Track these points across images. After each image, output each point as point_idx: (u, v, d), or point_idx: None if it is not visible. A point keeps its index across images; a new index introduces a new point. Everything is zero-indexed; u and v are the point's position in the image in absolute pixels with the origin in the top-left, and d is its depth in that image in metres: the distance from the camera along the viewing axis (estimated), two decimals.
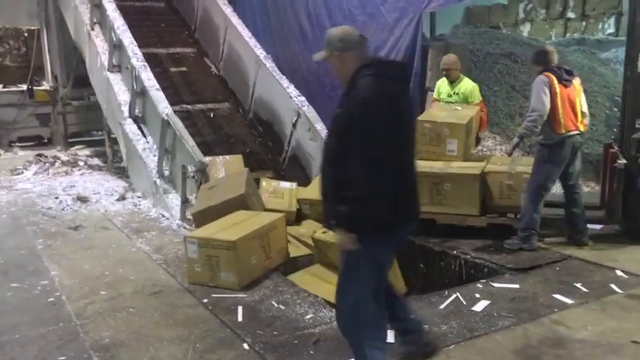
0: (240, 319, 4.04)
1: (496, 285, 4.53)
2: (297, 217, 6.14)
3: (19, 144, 12.80)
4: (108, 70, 8.15)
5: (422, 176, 5.51)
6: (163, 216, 6.66)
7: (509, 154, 5.39)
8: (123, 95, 7.72)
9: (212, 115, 8.16)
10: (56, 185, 8.60)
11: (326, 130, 7.02)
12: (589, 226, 5.66)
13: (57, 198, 7.75)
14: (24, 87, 13.12)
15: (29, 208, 7.37)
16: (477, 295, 4.34)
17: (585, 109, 5.26)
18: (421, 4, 7.69)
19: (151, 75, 7.13)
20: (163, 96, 6.88)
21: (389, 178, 2.78)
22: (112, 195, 7.87)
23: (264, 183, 6.40)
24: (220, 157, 6.70)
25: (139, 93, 7.27)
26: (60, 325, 4.02)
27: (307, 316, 4.05)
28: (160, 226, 6.36)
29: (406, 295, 5.17)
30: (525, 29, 14.43)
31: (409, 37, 7.88)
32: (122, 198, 7.67)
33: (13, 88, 13.12)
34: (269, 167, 7.53)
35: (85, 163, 10.47)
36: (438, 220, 5.70)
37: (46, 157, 10.49)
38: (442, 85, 6.79)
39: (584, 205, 5.88)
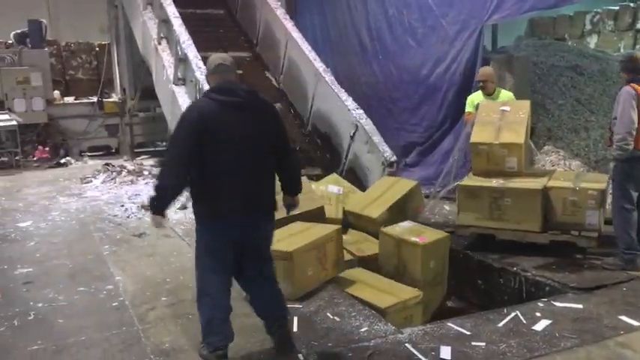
0: (295, 329, 4.07)
1: (558, 304, 4.40)
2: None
3: (89, 153, 13.37)
4: (173, 82, 8.41)
5: (481, 190, 5.54)
6: None
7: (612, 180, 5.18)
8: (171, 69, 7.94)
9: None
10: (122, 193, 8.92)
11: (384, 143, 7.04)
12: None
13: (122, 206, 8.04)
14: (94, 99, 13.73)
15: (97, 215, 7.67)
16: (538, 314, 4.23)
17: None
18: (483, 17, 7.63)
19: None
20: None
21: (200, 182, 3.46)
22: (174, 204, 8.08)
23: (312, 186, 6.37)
24: None
25: (182, 59, 7.48)
26: (123, 329, 4.17)
27: (362, 329, 4.05)
28: None
29: (464, 311, 5.16)
30: (592, 41, 13.95)
31: (470, 49, 7.83)
32: (184, 207, 7.84)
33: (84, 100, 13.73)
34: (317, 164, 7.69)
35: (150, 173, 10.79)
36: (497, 235, 5.59)
37: (113, 166, 10.90)
38: (477, 98, 6.65)
39: None
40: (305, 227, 5.17)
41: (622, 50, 13.01)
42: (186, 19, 8.66)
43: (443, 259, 5.30)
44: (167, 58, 8.72)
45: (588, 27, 14.22)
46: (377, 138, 7.07)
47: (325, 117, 8.10)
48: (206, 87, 7.16)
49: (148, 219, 7.31)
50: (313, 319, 4.24)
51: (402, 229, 5.32)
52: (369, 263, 5.36)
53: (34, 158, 12.69)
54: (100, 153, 13.55)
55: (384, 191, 6.13)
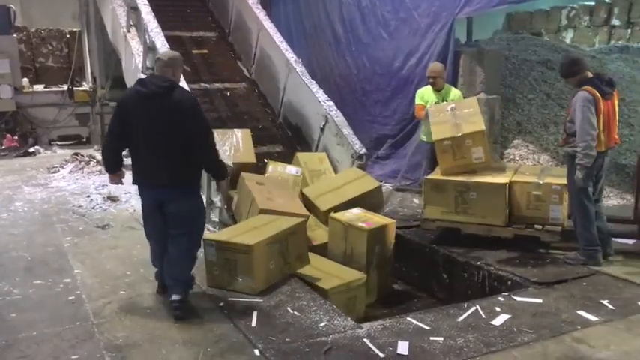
0: (254, 323, 4.02)
1: (518, 299, 4.40)
2: None
3: (60, 143, 13.13)
4: (142, 71, 8.24)
5: (447, 184, 5.53)
6: None
7: (579, 190, 5.02)
8: None
9: (228, 94, 8.49)
10: (89, 184, 8.77)
11: (354, 135, 6.99)
12: (621, 240, 5.49)
13: (88, 197, 7.90)
14: (64, 87, 13.48)
15: (61, 206, 7.53)
16: (498, 309, 4.23)
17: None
18: (454, 10, 7.59)
19: (181, 78, 7.17)
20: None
21: (131, 156, 4.31)
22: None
23: (270, 167, 6.59)
24: (230, 130, 6.94)
25: None
26: (77, 323, 4.08)
27: (321, 324, 4.01)
28: None
29: (425, 303, 5.30)
30: (568, 36, 14.08)
31: (441, 42, 7.78)
32: None
33: (54, 88, 13.48)
34: (279, 142, 7.87)
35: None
36: (462, 229, 5.59)
37: (82, 156, 10.71)
38: (427, 93, 6.71)
39: (618, 218, 5.73)
40: (269, 220, 5.11)
41: (597, 45, 13.15)
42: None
43: (388, 244, 5.50)
44: (136, 47, 8.55)
45: (564, 22, 14.33)
46: (347, 130, 7.01)
47: (296, 108, 8.02)
48: None
49: (114, 210, 7.31)
50: (273, 313, 4.19)
51: (351, 215, 5.50)
52: (318, 249, 5.47)
53: (2, 147, 12.43)
54: (71, 142, 13.33)
55: (345, 184, 6.13)
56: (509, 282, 4.86)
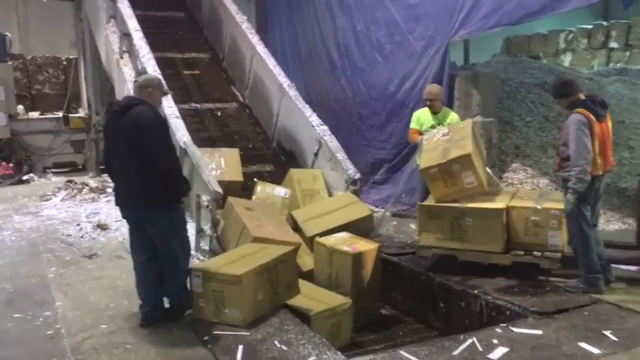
0: (239, 359, 3.82)
1: (516, 330, 4.19)
2: None
3: (54, 170, 13.01)
4: None
5: (442, 210, 5.36)
6: None
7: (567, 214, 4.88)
8: None
9: (219, 114, 8.56)
10: (81, 212, 8.62)
11: (348, 160, 6.85)
12: (624, 267, 5.29)
13: (78, 225, 7.75)
14: (60, 114, 13.40)
15: (50, 235, 7.37)
16: (495, 341, 4.02)
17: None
18: (449, 33, 7.49)
19: (172, 103, 7.08)
20: (183, 124, 6.80)
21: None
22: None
23: (258, 188, 6.54)
24: (218, 149, 7.04)
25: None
26: None
27: (309, 359, 3.81)
28: None
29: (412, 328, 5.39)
30: (566, 59, 14.04)
31: (436, 65, 7.68)
32: None
33: (50, 115, 13.41)
34: (269, 161, 7.92)
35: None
36: (459, 256, 5.39)
37: (75, 183, 10.58)
38: (424, 115, 6.57)
39: (620, 244, 5.55)
40: (257, 248, 4.94)
41: (595, 68, 13.09)
42: (145, 21, 8.72)
43: (374, 268, 5.38)
44: (128, 72, 8.46)
45: (562, 45, 14.30)
46: (341, 155, 6.87)
47: (290, 133, 7.90)
48: (164, 102, 6.99)
49: (103, 238, 7.14)
50: (259, 348, 3.99)
51: (336, 239, 5.43)
52: (306, 276, 5.36)
53: None
54: (66, 169, 13.21)
55: (336, 209, 6.01)
56: (507, 312, 4.65)
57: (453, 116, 6.53)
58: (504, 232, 5.21)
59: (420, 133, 6.49)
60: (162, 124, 4.41)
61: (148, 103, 4.38)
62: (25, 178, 12.24)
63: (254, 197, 6.45)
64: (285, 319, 4.47)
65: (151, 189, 4.25)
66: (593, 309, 4.54)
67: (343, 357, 3.85)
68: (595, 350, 3.84)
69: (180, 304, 4.51)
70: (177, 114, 6.94)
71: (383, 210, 7.84)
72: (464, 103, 7.60)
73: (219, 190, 5.94)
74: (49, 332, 4.35)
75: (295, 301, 4.76)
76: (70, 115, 13.39)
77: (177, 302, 4.52)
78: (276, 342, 4.06)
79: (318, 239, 5.46)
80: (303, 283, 5.01)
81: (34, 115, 13.45)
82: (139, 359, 3.87)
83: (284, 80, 7.98)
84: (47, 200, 9.68)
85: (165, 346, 4.06)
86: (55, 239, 7.14)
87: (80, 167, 13.46)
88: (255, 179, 6.96)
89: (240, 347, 3.99)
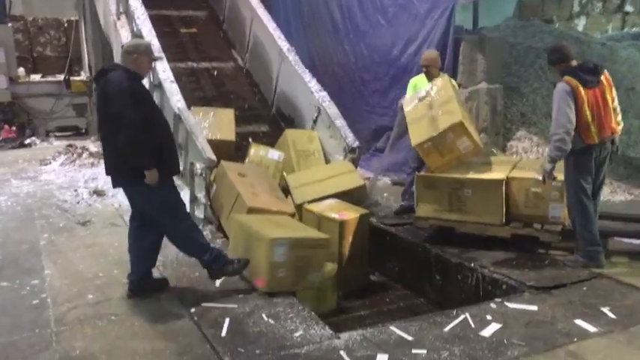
0: (224, 333, 3.73)
1: (511, 305, 4.07)
2: None
3: (57, 134, 12.90)
4: None
5: (440, 181, 5.20)
6: None
7: (544, 181, 4.74)
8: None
9: (216, 74, 8.40)
10: (79, 177, 8.52)
11: (347, 127, 6.67)
12: (629, 241, 5.14)
13: (75, 191, 7.66)
14: (62, 77, 13.23)
15: (45, 200, 7.29)
16: (489, 317, 3.91)
17: (616, 103, 4.69)
18: None
19: (167, 66, 6.89)
20: (177, 89, 6.62)
21: None
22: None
23: (252, 150, 6.44)
24: (212, 108, 6.92)
25: (157, 85, 7.04)
26: (36, 331, 3.81)
27: (296, 334, 3.71)
28: None
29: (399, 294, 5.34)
30: (580, 23, 13.65)
31: (441, 29, 7.41)
32: None
33: (51, 79, 13.24)
34: (265, 121, 7.80)
35: None
36: (457, 228, 5.26)
37: (75, 147, 10.47)
38: (420, 82, 6.29)
39: (624, 216, 5.41)
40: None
41: (610, 32, 12.71)
42: None
43: (362, 236, 5.33)
44: (125, 35, 8.23)
45: (577, 8, 13.89)
46: (340, 122, 6.69)
47: (289, 99, 7.71)
48: (159, 66, 6.84)
49: (99, 205, 7.05)
50: (246, 321, 3.89)
51: (325, 206, 5.40)
52: None
53: (0, 138, 12.25)
54: (69, 133, 13.11)
55: (329, 177, 5.92)
56: (503, 286, 4.52)
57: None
58: (504, 204, 5.05)
59: None
60: (131, 93, 4.00)
61: (128, 69, 4.12)
62: (27, 141, 12.15)
63: (247, 160, 6.37)
64: (277, 291, 4.37)
65: (115, 157, 4.12)
66: (592, 284, 4.41)
67: (330, 332, 3.75)
68: (591, 328, 3.71)
69: (205, 262, 4.38)
70: (172, 78, 6.75)
71: (386, 179, 7.71)
72: (468, 69, 7.37)
73: (213, 157, 5.81)
74: (34, 302, 4.28)
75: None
76: (72, 78, 13.21)
77: (206, 260, 4.36)
78: (263, 315, 3.97)
79: (307, 205, 5.45)
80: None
81: (36, 77, 13.30)
82: (122, 331, 3.78)
83: (284, 44, 7.75)
84: (46, 165, 9.60)
85: (150, 318, 3.98)
86: (51, 205, 7.06)
87: (83, 131, 13.34)
88: (250, 139, 6.88)
89: (227, 320, 3.89)
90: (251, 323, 3.86)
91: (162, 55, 7.06)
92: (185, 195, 6.17)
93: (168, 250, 5.21)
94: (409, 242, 5.53)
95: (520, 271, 4.64)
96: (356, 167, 6.45)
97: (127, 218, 6.28)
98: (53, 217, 6.54)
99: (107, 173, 4.30)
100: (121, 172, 4.17)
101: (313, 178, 5.93)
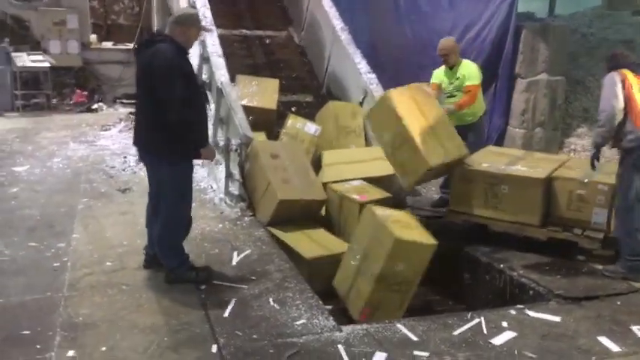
0: (226, 314, 3.69)
1: (532, 314, 3.82)
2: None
3: (123, 100, 13.23)
4: None
5: (476, 175, 4.94)
6: (212, 187, 6.45)
7: (593, 166, 4.51)
8: (194, 60, 7.54)
9: (268, 42, 8.45)
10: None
11: None
12: None
13: (125, 157, 7.80)
14: (131, 45, 13.52)
15: (95, 165, 7.47)
16: (504, 324, 3.68)
17: None
18: None
19: (217, 40, 6.88)
20: (223, 63, 6.60)
21: None
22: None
23: (289, 121, 6.44)
24: (257, 77, 6.95)
25: (206, 58, 7.04)
26: (47, 294, 3.89)
27: (299, 322, 3.62)
28: (203, 198, 6.15)
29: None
30: None
31: (502, 14, 7.05)
32: None
33: (121, 46, 13.57)
34: (311, 92, 7.75)
35: None
36: (490, 226, 5.01)
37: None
38: (440, 73, 6.09)
39: None
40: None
41: None
42: None
43: None
44: (183, 5, 8.30)
45: None
46: None
47: (338, 79, 7.55)
48: (208, 40, 6.84)
49: (143, 173, 7.10)
50: (251, 303, 3.83)
51: (349, 186, 5.39)
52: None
53: (71, 102, 12.70)
54: (134, 101, 13.40)
55: (361, 161, 5.80)
56: (530, 292, 4.27)
57: (465, 66, 5.99)
58: (542, 204, 4.75)
59: (440, 87, 6.09)
60: (180, 68, 3.87)
61: (176, 41, 3.92)
62: (94, 106, 12.51)
63: (283, 131, 6.38)
64: (289, 275, 4.29)
65: (157, 138, 3.92)
66: (627, 299, 4.08)
67: (333, 323, 3.63)
68: (614, 347, 3.43)
69: (168, 267, 4.14)
70: (220, 52, 6.73)
71: None
72: (528, 58, 6.98)
73: (250, 134, 5.76)
74: (55, 264, 4.37)
75: (297, 244, 4.84)
76: None
77: (164, 262, 4.16)
78: (270, 299, 3.89)
79: (332, 185, 5.44)
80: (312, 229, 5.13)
81: (107, 45, 13.67)
82: (128, 302, 3.81)
83: (337, 23, 7.57)
84: (106, 130, 9.85)
85: (159, 291, 3.98)
86: (99, 170, 7.23)
87: None
88: (293, 109, 6.89)
89: (233, 301, 3.85)
90: (256, 306, 3.80)
91: (213, 27, 7.06)
92: (221, 170, 6.20)
93: (194, 226, 5.26)
94: (440, 237, 5.28)
95: (551, 278, 4.36)
96: None
97: None
98: (97, 182, 6.69)
99: (135, 144, 4.22)
100: (156, 147, 3.99)
101: (347, 159, 5.88)
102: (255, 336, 3.44)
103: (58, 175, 7.05)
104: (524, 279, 4.37)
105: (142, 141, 4.11)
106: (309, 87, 7.82)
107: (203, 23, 7.13)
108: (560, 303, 4.01)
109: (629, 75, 4.26)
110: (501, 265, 4.61)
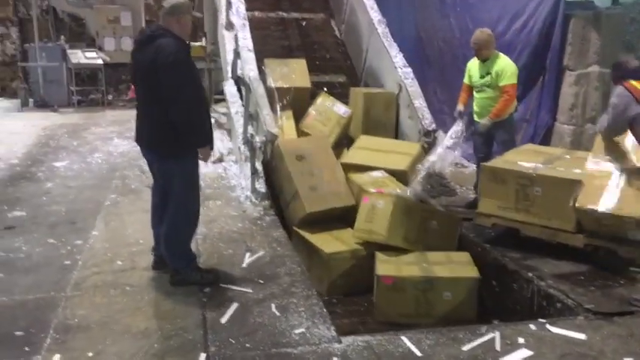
0: (224, 320, 3.55)
1: (555, 330, 3.48)
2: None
3: None
4: (225, 28, 7.96)
5: (507, 174, 4.62)
6: (241, 185, 6.35)
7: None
8: (229, 55, 7.47)
9: (304, 24, 8.48)
10: None
11: (426, 109, 6.17)
12: None
13: None
14: None
15: (133, 161, 7.51)
16: (521, 341, 3.36)
17: None
18: None
19: (248, 35, 6.77)
20: (253, 57, 6.49)
21: None
22: (213, 156, 7.76)
23: (320, 99, 6.53)
24: (285, 60, 6.99)
25: (239, 53, 6.94)
26: (50, 294, 3.86)
27: (297, 330, 3.43)
28: (230, 196, 6.05)
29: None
30: None
31: (549, 3, 6.57)
32: (219, 160, 7.51)
33: None
34: (344, 73, 7.80)
35: (217, 121, 10.55)
36: (522, 230, 4.65)
37: None
38: (473, 66, 5.72)
39: None
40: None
41: None
42: None
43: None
44: (223, 2, 8.25)
45: None
46: (419, 102, 6.22)
47: (375, 73, 7.30)
48: (240, 34, 6.74)
49: None
50: (252, 309, 3.67)
51: (369, 177, 5.39)
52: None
53: (127, 97, 12.96)
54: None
55: (388, 151, 5.77)
56: (558, 304, 3.91)
57: (500, 63, 5.58)
58: None
59: (470, 89, 5.79)
60: (186, 63, 3.79)
61: (175, 34, 3.80)
62: None
63: (312, 107, 6.47)
64: (299, 279, 4.11)
65: (161, 135, 3.82)
66: None
67: (334, 333, 3.42)
68: None
69: (174, 267, 4.04)
70: (250, 47, 6.62)
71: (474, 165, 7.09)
72: (578, 50, 6.49)
73: (274, 130, 5.61)
74: (66, 262, 4.36)
75: (318, 240, 4.92)
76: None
77: (170, 262, 4.05)
78: (273, 305, 3.73)
79: (352, 175, 5.46)
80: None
81: None
82: (128, 305, 3.72)
83: (375, 15, 7.31)
84: None
85: (161, 293, 3.89)
86: (135, 166, 7.26)
87: None
88: (324, 89, 6.87)
89: (234, 306, 3.71)
90: (256, 312, 3.64)
91: (245, 22, 6.98)
92: (245, 168, 6.08)
93: (214, 225, 5.17)
94: (469, 240, 4.99)
95: (584, 289, 3.99)
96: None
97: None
98: (130, 179, 6.72)
99: (138, 142, 4.14)
100: (161, 144, 3.88)
101: (375, 147, 5.90)
102: (248, 345, 3.27)
103: (94, 170, 7.14)
104: (553, 289, 4.01)
105: (145, 138, 4.00)
106: (342, 68, 7.89)
107: (234, 18, 7.10)
108: (589, 318, 3.64)
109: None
110: (530, 274, 4.26)
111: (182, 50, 3.80)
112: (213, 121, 10.42)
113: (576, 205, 4.26)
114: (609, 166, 4.37)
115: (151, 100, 3.83)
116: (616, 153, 4.36)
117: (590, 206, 4.21)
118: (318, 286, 4.78)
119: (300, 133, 6.33)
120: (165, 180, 4.03)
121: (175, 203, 3.98)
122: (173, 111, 3.72)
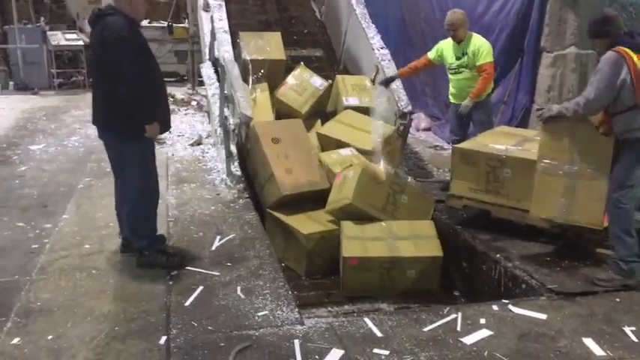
0: (188, 303, 3.54)
1: (516, 310, 3.51)
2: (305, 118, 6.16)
3: None
4: (203, 8, 7.89)
5: (478, 156, 4.61)
6: (216, 168, 6.32)
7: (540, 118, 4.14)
8: (207, 36, 7.41)
9: None
10: None
11: (402, 90, 6.14)
12: None
13: None
14: (165, 23, 13.52)
15: None
16: (482, 321, 3.39)
17: None
18: None
19: (224, 15, 6.70)
20: (229, 39, 6.41)
21: None
22: (193, 138, 7.73)
23: (298, 70, 6.58)
24: (260, 32, 6.97)
25: (215, 34, 6.88)
26: (15, 277, 3.84)
27: (260, 313, 3.43)
28: (205, 179, 6.03)
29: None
30: None
31: None
32: (197, 143, 7.50)
33: (156, 24, 13.58)
34: (321, 46, 7.82)
35: (198, 104, 10.50)
36: (492, 212, 4.66)
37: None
38: (446, 47, 5.68)
39: None
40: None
41: None
42: None
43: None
44: None
45: None
46: (394, 84, 6.15)
47: (353, 55, 7.26)
48: (216, 15, 6.66)
49: None
50: (217, 292, 3.68)
51: (338, 156, 5.40)
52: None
53: None
54: (171, 79, 13.41)
55: (362, 130, 5.74)
56: (523, 285, 3.94)
57: (475, 43, 5.56)
58: None
59: (429, 62, 5.87)
60: (131, 40, 3.72)
61: (124, 13, 3.77)
62: None
63: (289, 77, 6.55)
64: (267, 261, 4.12)
65: (112, 113, 3.83)
66: (629, 296, 3.70)
67: (297, 315, 3.43)
68: (599, 351, 3.09)
69: (139, 247, 4.06)
70: (226, 28, 6.55)
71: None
72: (555, 30, 6.47)
73: (248, 113, 5.56)
74: (34, 246, 4.34)
75: (294, 221, 4.88)
76: (174, 24, 13.46)
77: (135, 241, 4.09)
78: (238, 288, 3.73)
79: (322, 154, 5.50)
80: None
81: (144, 23, 13.69)
82: (92, 288, 3.72)
83: None
84: None
85: (127, 277, 3.88)
86: None
87: (186, 78, 13.62)
88: (301, 62, 6.80)
89: (199, 289, 3.70)
90: (221, 295, 3.64)
91: (222, 2, 6.91)
92: (222, 151, 6.05)
93: (186, 207, 5.15)
94: (441, 222, 4.98)
95: (549, 270, 4.02)
96: (406, 133, 5.98)
97: (171, 168, 6.41)
98: (106, 161, 6.47)
99: (94, 123, 4.07)
100: (114, 124, 3.89)
101: (353, 123, 5.89)
102: (210, 327, 3.28)
103: (70, 154, 7.09)
104: (518, 270, 4.03)
105: (100, 119, 3.99)
106: (319, 42, 7.89)
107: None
108: (551, 298, 3.67)
109: (633, 57, 3.66)
110: (497, 255, 4.28)
111: (128, 28, 3.75)
112: (195, 103, 10.51)
113: (530, 214, 4.23)
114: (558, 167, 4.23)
115: (101, 77, 3.87)
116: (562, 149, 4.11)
117: (544, 217, 4.19)
118: (296, 267, 4.85)
119: (276, 101, 6.31)
120: (121, 161, 4.03)
121: (134, 183, 4.00)
122: (118, 87, 3.72)
